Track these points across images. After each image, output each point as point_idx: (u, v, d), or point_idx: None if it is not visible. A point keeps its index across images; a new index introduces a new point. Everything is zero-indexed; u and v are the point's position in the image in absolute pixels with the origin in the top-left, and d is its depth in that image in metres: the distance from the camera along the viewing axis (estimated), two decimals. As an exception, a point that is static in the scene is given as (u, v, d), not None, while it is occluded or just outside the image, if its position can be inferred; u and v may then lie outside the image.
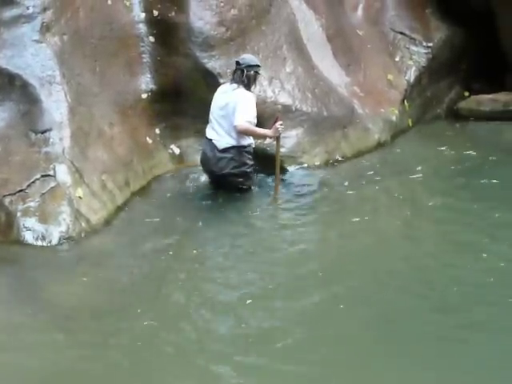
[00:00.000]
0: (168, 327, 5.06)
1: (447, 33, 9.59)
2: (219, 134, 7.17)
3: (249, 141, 7.22)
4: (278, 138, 7.26)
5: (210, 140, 7.21)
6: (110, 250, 6.14)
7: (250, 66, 7.20)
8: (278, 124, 7.16)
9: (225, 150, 7.13)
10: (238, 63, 7.24)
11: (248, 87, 7.21)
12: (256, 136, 7.28)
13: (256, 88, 7.41)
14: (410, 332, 4.99)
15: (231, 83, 7.25)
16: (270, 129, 7.21)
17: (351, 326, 5.05)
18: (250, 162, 7.23)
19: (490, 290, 5.47)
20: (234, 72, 7.26)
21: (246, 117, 7.07)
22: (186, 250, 6.15)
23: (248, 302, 5.36)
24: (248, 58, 7.33)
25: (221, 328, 5.10)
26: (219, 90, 7.36)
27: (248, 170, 7.23)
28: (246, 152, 7.19)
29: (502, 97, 9.59)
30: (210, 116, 7.26)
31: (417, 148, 8.52)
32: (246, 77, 7.17)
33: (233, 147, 7.13)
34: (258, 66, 7.31)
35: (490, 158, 8.12)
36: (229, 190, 7.18)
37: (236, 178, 7.18)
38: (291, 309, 5.26)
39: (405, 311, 5.22)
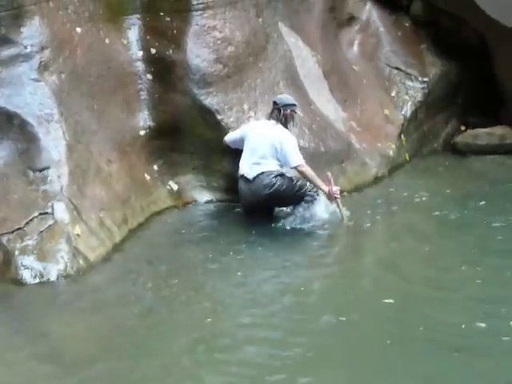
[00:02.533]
0: (166, 372, 4.90)
1: (442, 68, 9.67)
2: (261, 164, 7.28)
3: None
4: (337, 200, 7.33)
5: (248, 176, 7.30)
6: (108, 288, 6.09)
7: (286, 106, 7.41)
8: (334, 189, 7.28)
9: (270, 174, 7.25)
10: (275, 103, 7.44)
11: (285, 126, 7.39)
12: (311, 182, 7.30)
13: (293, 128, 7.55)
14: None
15: (269, 119, 7.44)
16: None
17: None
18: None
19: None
20: (272, 112, 7.44)
21: (301, 157, 7.25)
22: (185, 289, 6.10)
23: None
24: (284, 97, 7.56)
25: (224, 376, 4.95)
26: (255, 125, 7.48)
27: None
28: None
29: (497, 130, 9.64)
30: (249, 152, 7.32)
31: (414, 182, 8.56)
32: (283, 116, 7.36)
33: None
34: (295, 104, 7.49)
35: (487, 190, 8.16)
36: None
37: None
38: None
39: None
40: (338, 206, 7.36)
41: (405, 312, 5.55)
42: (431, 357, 4.90)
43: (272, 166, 7.31)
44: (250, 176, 7.31)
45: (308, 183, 7.33)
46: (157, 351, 5.11)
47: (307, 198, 7.34)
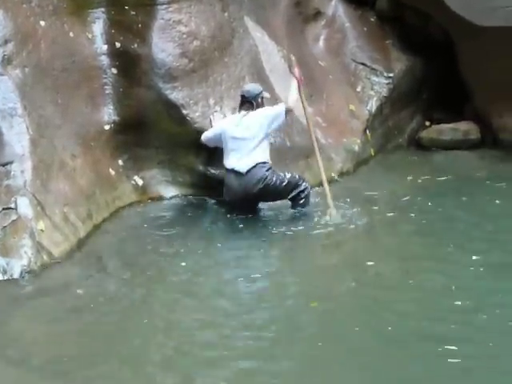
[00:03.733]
0: (131, 371, 4.86)
1: (408, 63, 9.74)
2: (251, 155, 7.38)
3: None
4: (299, 86, 7.63)
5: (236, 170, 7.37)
6: (72, 284, 6.06)
7: (256, 96, 7.53)
8: (296, 69, 7.65)
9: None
10: (243, 96, 7.53)
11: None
12: (296, 96, 7.61)
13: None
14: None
15: (239, 112, 7.54)
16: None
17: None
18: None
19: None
20: (242, 105, 7.53)
21: (280, 105, 7.54)
22: (150, 282, 6.10)
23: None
24: (251, 88, 7.64)
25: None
26: (229, 121, 7.53)
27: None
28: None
29: (462, 126, 9.74)
30: (236, 145, 7.41)
31: (378, 177, 8.62)
32: (256, 107, 7.50)
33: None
34: (262, 90, 7.62)
35: (450, 185, 8.25)
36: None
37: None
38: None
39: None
40: (327, 195, 7.44)
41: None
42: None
43: (263, 154, 7.40)
44: (243, 169, 7.33)
45: (294, 176, 7.46)
46: (122, 347, 5.09)
47: (297, 196, 7.44)
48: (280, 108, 7.54)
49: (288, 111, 7.56)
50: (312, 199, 7.61)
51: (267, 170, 7.38)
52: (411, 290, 5.84)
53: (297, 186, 7.46)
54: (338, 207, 7.43)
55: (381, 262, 6.32)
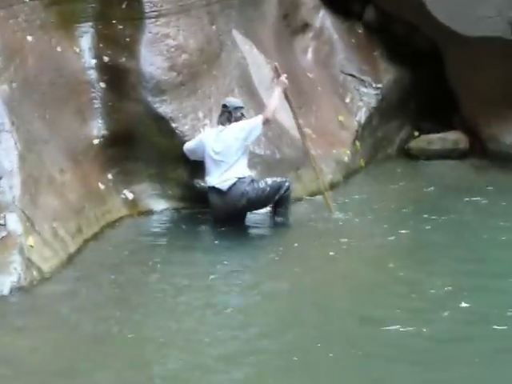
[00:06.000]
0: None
1: (396, 74, 9.78)
2: (230, 170, 7.39)
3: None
4: (286, 94, 7.63)
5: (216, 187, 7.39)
6: (62, 300, 5.99)
7: (237, 108, 7.54)
8: (282, 76, 7.61)
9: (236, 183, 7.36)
10: (224, 106, 7.53)
11: None
12: (276, 104, 7.55)
13: None
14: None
15: (218, 126, 7.53)
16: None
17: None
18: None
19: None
20: (222, 115, 7.53)
21: (258, 117, 7.51)
22: (140, 299, 6.05)
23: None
24: (233, 100, 7.70)
25: None
26: (209, 135, 7.51)
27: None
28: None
29: (450, 135, 9.79)
30: (214, 163, 7.42)
31: (368, 187, 8.63)
32: (234, 119, 7.49)
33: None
34: (243, 107, 7.64)
35: (441, 195, 8.27)
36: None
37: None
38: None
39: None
40: (326, 200, 7.51)
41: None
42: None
43: (241, 169, 7.41)
44: (224, 187, 7.36)
45: (275, 180, 7.48)
46: (113, 360, 5.05)
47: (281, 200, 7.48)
48: (256, 120, 7.51)
49: (265, 122, 7.50)
50: (302, 208, 7.59)
51: (248, 185, 7.39)
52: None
53: (280, 187, 7.48)
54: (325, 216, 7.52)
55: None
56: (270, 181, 7.49)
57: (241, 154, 7.44)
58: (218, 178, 7.41)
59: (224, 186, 7.37)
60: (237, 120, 7.52)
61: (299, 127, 7.84)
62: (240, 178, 7.39)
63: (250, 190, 7.38)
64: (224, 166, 7.41)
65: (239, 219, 7.53)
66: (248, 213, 7.60)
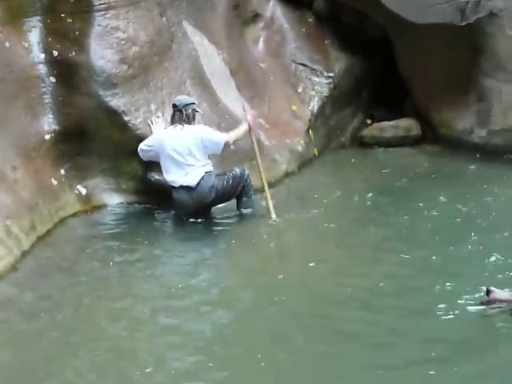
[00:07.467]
0: None
1: (347, 62, 9.82)
2: (195, 166, 7.39)
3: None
4: (251, 130, 7.71)
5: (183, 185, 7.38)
6: (16, 298, 5.97)
7: (187, 105, 7.47)
8: (249, 117, 7.72)
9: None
10: (174, 105, 7.49)
11: (190, 124, 7.46)
12: (241, 136, 7.70)
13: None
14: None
15: (174, 125, 7.45)
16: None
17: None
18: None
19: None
20: (174, 115, 7.49)
21: (222, 134, 7.57)
22: (95, 294, 6.02)
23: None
24: (182, 98, 7.64)
25: None
26: (166, 135, 7.44)
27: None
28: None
29: (402, 123, 9.87)
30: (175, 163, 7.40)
31: (322, 176, 8.70)
32: (185, 116, 7.43)
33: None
34: (194, 103, 7.59)
35: (393, 182, 8.37)
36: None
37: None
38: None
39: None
40: (267, 202, 7.52)
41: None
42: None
43: (206, 163, 7.44)
44: (193, 183, 7.36)
45: (233, 170, 7.57)
46: (68, 363, 5.02)
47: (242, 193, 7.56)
48: (220, 138, 7.50)
49: (226, 145, 7.53)
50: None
51: (215, 178, 7.45)
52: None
53: (241, 178, 7.55)
54: (281, 209, 7.53)
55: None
56: (229, 173, 7.54)
57: (203, 154, 7.45)
58: (184, 176, 7.39)
59: (192, 182, 7.37)
60: (188, 117, 7.46)
61: (257, 163, 7.79)
62: (206, 172, 7.41)
63: (216, 182, 7.43)
64: (187, 166, 7.39)
65: (205, 213, 7.53)
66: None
